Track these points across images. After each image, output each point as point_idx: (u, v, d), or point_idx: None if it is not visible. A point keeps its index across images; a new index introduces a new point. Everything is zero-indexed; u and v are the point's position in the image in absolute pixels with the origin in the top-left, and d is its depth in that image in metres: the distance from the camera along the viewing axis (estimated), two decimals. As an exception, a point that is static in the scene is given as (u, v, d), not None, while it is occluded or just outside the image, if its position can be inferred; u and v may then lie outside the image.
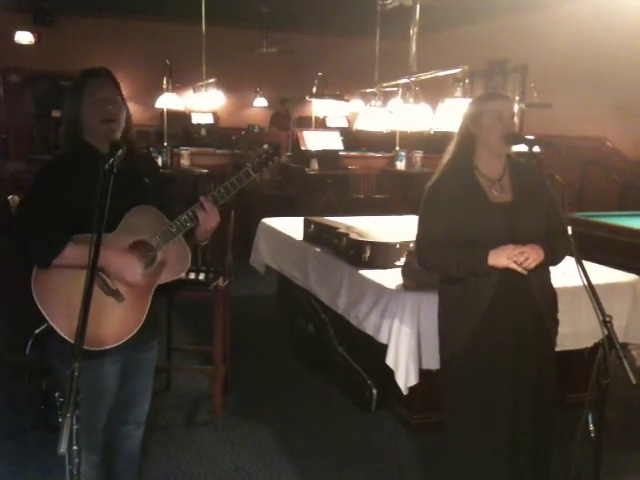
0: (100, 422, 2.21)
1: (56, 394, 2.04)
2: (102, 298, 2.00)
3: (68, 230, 2.00)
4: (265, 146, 2.21)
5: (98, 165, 1.77)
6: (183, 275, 2.23)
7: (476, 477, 2.44)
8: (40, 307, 1.99)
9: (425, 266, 2.55)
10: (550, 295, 2.46)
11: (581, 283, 1.96)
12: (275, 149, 2.20)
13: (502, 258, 2.27)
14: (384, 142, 8.89)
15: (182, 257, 2.18)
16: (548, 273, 2.46)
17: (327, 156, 8.00)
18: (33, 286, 2.00)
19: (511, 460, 2.42)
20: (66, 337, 1.96)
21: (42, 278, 2.01)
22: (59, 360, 2.09)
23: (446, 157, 2.49)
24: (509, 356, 2.36)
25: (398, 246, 3.65)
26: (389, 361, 3.13)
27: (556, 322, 2.48)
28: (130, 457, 2.46)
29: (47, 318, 1.99)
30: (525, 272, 2.28)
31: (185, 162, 8.02)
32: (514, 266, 2.27)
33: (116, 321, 2.04)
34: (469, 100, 2.71)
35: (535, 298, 2.38)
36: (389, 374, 3.14)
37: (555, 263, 2.42)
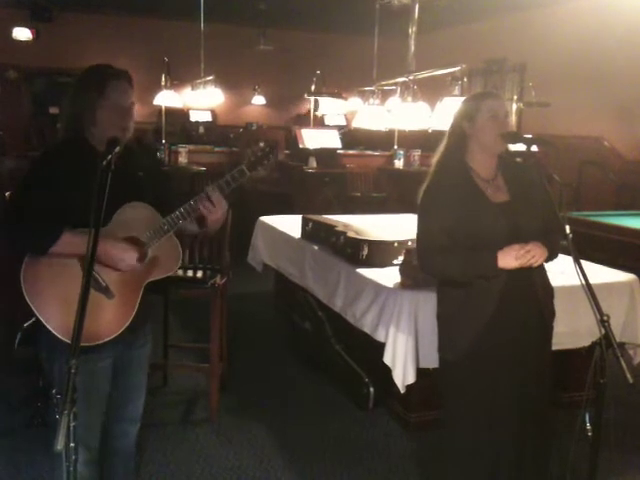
0: (94, 419, 2.19)
1: (53, 391, 2.04)
2: (92, 294, 1.98)
3: (64, 224, 2.00)
4: (261, 144, 2.21)
5: (93, 161, 1.76)
6: (175, 272, 2.23)
7: (480, 476, 2.43)
8: (29, 301, 1.99)
9: (429, 272, 2.52)
10: (550, 291, 2.47)
11: (579, 282, 1.96)
12: (271, 148, 2.20)
13: (510, 259, 2.26)
14: (382, 141, 8.89)
15: (173, 255, 2.18)
16: (545, 270, 2.46)
17: (325, 154, 7.99)
18: (22, 280, 2.00)
19: (516, 458, 2.42)
20: (53, 331, 1.97)
21: (31, 272, 2.01)
22: (47, 353, 2.11)
23: (436, 157, 2.46)
24: (514, 355, 2.35)
25: (396, 244, 3.65)
26: (386, 359, 3.13)
27: (553, 314, 2.49)
28: (126, 454, 2.45)
29: (35, 312, 1.99)
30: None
31: (183, 160, 8.02)
32: (522, 262, 2.26)
33: (105, 318, 2.04)
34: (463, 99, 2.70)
35: (538, 296, 2.39)
36: (386, 372, 3.14)
37: (552, 259, 2.42)
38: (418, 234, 2.44)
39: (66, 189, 2.01)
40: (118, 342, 2.08)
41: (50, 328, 1.98)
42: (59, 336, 1.97)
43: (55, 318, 1.99)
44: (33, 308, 1.99)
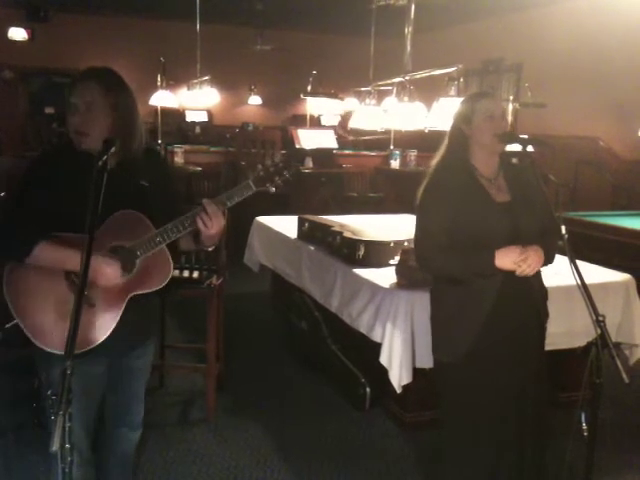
0: (83, 423, 2.15)
1: (49, 392, 2.04)
2: (73, 301, 1.93)
3: (52, 228, 1.96)
4: (276, 159, 2.03)
5: (86, 163, 1.75)
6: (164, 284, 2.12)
7: (479, 477, 2.43)
8: (8, 302, 1.97)
9: (428, 270, 2.52)
10: (544, 292, 2.48)
11: (574, 282, 1.97)
12: (286, 164, 2.01)
13: (508, 261, 2.26)
14: (379, 141, 8.89)
15: (163, 270, 2.05)
16: (540, 271, 2.47)
17: (321, 154, 7.99)
18: (5, 282, 1.98)
19: (515, 458, 2.42)
20: (26, 331, 1.95)
21: (14, 274, 1.99)
22: (39, 357, 2.07)
23: (437, 159, 2.46)
24: (512, 354, 2.36)
25: (392, 245, 3.64)
26: (383, 360, 3.13)
27: (547, 315, 2.50)
28: (124, 456, 2.45)
29: (13, 313, 1.96)
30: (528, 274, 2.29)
31: (179, 160, 8.01)
32: (518, 271, 2.27)
33: (85, 326, 1.93)
34: (461, 99, 2.70)
35: (535, 296, 2.40)
36: (383, 372, 3.14)
37: (550, 262, 2.43)
38: (418, 233, 2.43)
39: (59, 190, 1.98)
40: (111, 349, 2.03)
41: (27, 333, 1.95)
42: (31, 337, 1.94)
43: (32, 320, 1.96)
44: (12, 311, 1.96)
